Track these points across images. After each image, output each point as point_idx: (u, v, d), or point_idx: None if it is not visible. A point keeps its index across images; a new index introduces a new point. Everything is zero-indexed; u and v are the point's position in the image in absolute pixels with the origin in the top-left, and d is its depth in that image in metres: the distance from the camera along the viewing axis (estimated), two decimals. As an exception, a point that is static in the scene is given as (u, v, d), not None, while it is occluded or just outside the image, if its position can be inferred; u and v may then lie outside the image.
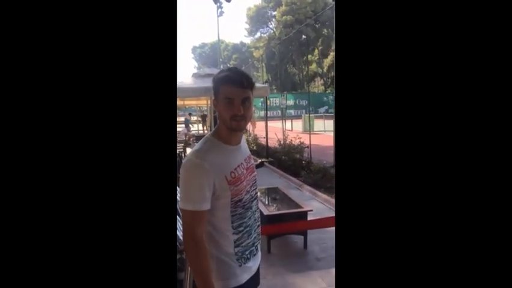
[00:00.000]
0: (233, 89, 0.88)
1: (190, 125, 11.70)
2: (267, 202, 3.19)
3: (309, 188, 4.79)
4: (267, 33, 29.93)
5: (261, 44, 29.05)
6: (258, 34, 31.10)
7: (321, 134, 10.32)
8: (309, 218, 2.83)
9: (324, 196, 4.33)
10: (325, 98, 19.88)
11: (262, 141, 8.03)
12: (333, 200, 4.10)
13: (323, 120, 12.50)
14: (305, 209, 2.83)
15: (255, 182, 1.03)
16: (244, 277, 0.95)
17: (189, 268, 1.40)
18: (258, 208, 1.04)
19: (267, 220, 2.61)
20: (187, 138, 8.36)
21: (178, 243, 1.37)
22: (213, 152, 0.91)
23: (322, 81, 27.14)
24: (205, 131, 10.99)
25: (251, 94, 0.92)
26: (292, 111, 17.81)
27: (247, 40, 34.67)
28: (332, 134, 6.49)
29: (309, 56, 24.34)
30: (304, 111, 17.69)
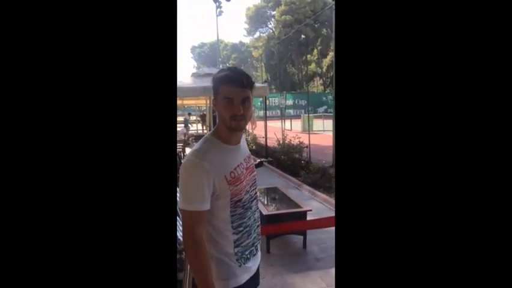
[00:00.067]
0: (233, 88, 0.88)
1: (189, 125, 11.70)
2: (266, 202, 3.18)
3: (308, 187, 4.80)
4: (266, 33, 29.97)
5: (260, 44, 29.06)
6: (257, 34, 31.15)
7: (320, 133, 10.33)
8: (309, 218, 2.83)
9: (323, 196, 4.33)
10: (324, 98, 19.90)
11: (261, 140, 8.03)
12: (332, 200, 4.10)
13: (322, 120, 12.51)
14: (304, 208, 2.83)
15: (255, 182, 1.03)
16: (244, 277, 0.95)
17: (188, 268, 1.39)
18: (257, 208, 1.03)
19: (266, 220, 2.60)
20: (186, 138, 8.35)
21: (177, 244, 1.37)
22: (212, 151, 0.90)
23: (321, 81, 27.17)
24: (205, 131, 10.99)
25: (251, 94, 0.91)
26: (291, 111, 17.81)
27: (247, 40, 34.75)
28: (331, 134, 6.50)
29: (308, 56, 24.36)
30: (303, 111, 17.71)
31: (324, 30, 25.10)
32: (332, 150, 5.94)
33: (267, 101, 8.51)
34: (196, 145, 0.94)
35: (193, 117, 15.26)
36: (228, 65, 30.26)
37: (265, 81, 9.07)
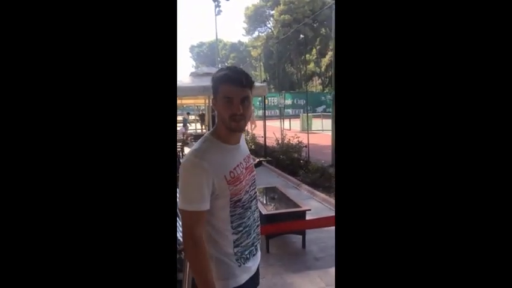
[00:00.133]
0: (232, 88, 0.87)
1: (188, 124, 11.69)
2: (265, 201, 3.18)
3: (307, 187, 4.80)
4: (265, 33, 29.95)
5: (259, 43, 29.05)
6: (256, 33, 31.12)
7: (319, 133, 10.34)
8: (308, 217, 2.83)
9: (322, 195, 4.34)
10: (323, 98, 19.91)
11: (260, 140, 8.03)
12: (331, 200, 4.10)
13: (320, 119, 12.52)
14: (303, 208, 2.83)
15: (254, 182, 1.02)
16: (244, 277, 0.95)
17: (188, 268, 1.39)
18: (257, 208, 1.03)
19: (266, 220, 2.60)
20: (185, 138, 8.34)
21: (177, 244, 1.36)
22: (212, 151, 0.90)
23: (320, 81, 27.19)
24: (204, 130, 10.98)
25: (250, 93, 0.91)
26: (290, 111, 17.82)
27: (245, 39, 34.73)
28: (329, 134, 6.50)
29: (307, 56, 24.38)
30: (302, 110, 17.72)
31: (323, 29, 25.12)
32: (330, 149, 5.95)
33: (266, 101, 8.51)
34: (196, 145, 0.93)
35: (192, 117, 15.25)
36: (226, 64, 30.21)
37: (264, 81, 9.07)
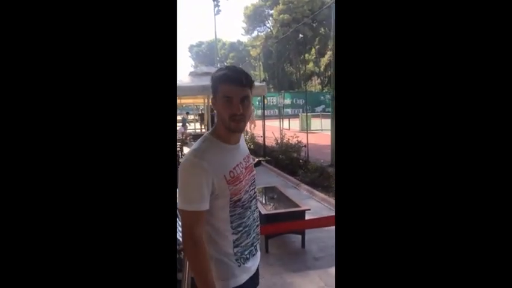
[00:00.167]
0: (232, 87, 0.87)
1: (187, 124, 11.68)
2: (264, 201, 3.18)
3: (306, 187, 4.80)
4: (264, 32, 29.92)
5: (258, 43, 29.03)
6: (255, 33, 31.09)
7: (318, 133, 10.35)
8: (307, 217, 2.83)
9: (322, 195, 4.34)
10: (322, 97, 19.92)
11: (260, 140, 8.03)
12: (330, 199, 4.11)
13: (319, 119, 12.53)
14: (303, 208, 2.83)
15: (254, 182, 1.02)
16: (244, 277, 0.95)
17: (187, 268, 1.39)
18: (257, 208, 1.03)
19: (265, 219, 2.60)
20: (184, 137, 8.33)
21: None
22: (211, 151, 0.90)
23: (319, 80, 27.20)
24: (203, 130, 10.98)
25: (250, 93, 0.91)
26: (289, 110, 17.82)
27: (244, 39, 34.71)
28: (329, 133, 6.50)
29: (306, 55, 24.38)
30: (301, 110, 17.72)
31: (322, 29, 25.13)
32: (330, 149, 5.95)
33: (265, 101, 8.50)
34: (195, 144, 0.93)
35: (191, 116, 15.24)
36: (225, 64, 30.21)
37: (263, 80, 9.06)
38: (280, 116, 9.10)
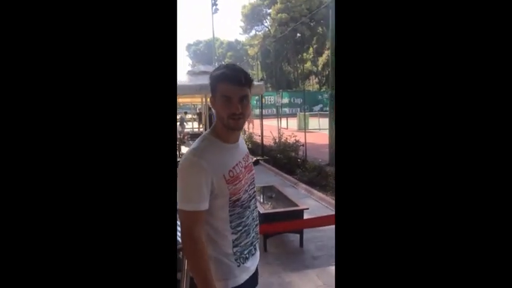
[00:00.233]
0: (231, 87, 0.86)
1: (185, 123, 11.65)
2: (262, 200, 3.18)
3: (304, 186, 4.81)
4: (262, 31, 29.86)
5: (256, 42, 28.98)
6: (253, 32, 31.01)
7: (315, 132, 10.36)
8: (305, 216, 2.83)
9: (320, 194, 4.35)
10: (320, 96, 19.94)
11: (257, 139, 8.03)
12: (328, 198, 4.12)
13: (317, 118, 12.54)
14: (301, 207, 2.83)
15: (253, 181, 1.02)
16: (243, 277, 0.94)
17: (186, 268, 1.38)
18: (256, 207, 1.02)
19: (263, 219, 2.60)
20: (181, 137, 8.31)
21: (174, 243, 1.35)
22: (210, 150, 0.89)
23: (317, 80, 27.22)
24: (201, 129, 10.96)
25: (249, 92, 0.90)
26: (287, 110, 17.82)
27: (242, 38, 34.67)
28: (326, 132, 6.51)
29: (304, 54, 24.38)
30: (299, 109, 17.73)
31: (320, 28, 25.13)
32: (327, 148, 5.96)
33: (263, 100, 8.49)
34: (194, 144, 0.92)
35: (188, 116, 15.20)
36: (223, 63, 30.09)
37: (261, 80, 9.05)
38: (278, 115, 9.10)
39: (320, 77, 26.82)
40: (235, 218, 0.92)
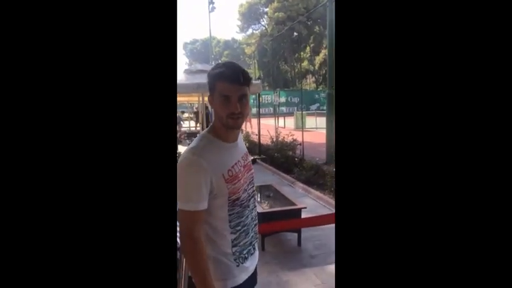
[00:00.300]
0: (229, 86, 0.85)
1: (182, 122, 11.62)
2: (260, 199, 3.18)
3: (301, 185, 4.81)
4: (259, 30, 29.84)
5: (253, 41, 28.95)
6: (250, 31, 30.97)
7: (313, 131, 10.37)
8: (303, 215, 2.83)
9: (317, 193, 4.35)
10: (316, 96, 19.96)
11: (255, 138, 8.02)
12: (325, 197, 4.12)
13: (314, 117, 12.55)
14: (299, 206, 2.83)
15: (252, 180, 1.01)
16: (242, 277, 0.94)
17: (184, 268, 1.38)
18: (255, 206, 1.02)
19: (261, 218, 2.59)
20: (178, 136, 8.27)
21: (172, 243, 1.34)
22: (209, 149, 0.88)
23: (313, 79, 27.25)
24: (197, 128, 10.93)
25: (248, 90, 0.89)
26: (284, 109, 17.82)
27: (239, 36, 34.61)
28: (323, 131, 6.52)
29: (301, 53, 24.38)
30: (296, 108, 17.74)
31: (317, 27, 25.16)
32: (325, 147, 5.97)
33: (260, 99, 8.48)
34: (193, 143, 0.91)
35: (185, 115, 15.15)
36: (220, 61, 30.01)
37: (258, 78, 9.04)
38: (276, 114, 9.10)
39: (316, 76, 26.85)
40: (234, 218, 0.91)
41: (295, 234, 2.83)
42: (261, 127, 7.43)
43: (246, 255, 0.95)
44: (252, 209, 0.99)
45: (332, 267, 2.42)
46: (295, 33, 22.93)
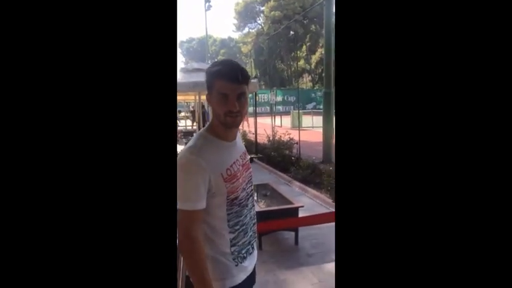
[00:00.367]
0: (227, 84, 0.84)
1: (178, 121, 11.58)
2: (257, 198, 3.17)
3: (298, 183, 4.82)
4: (255, 29, 29.76)
5: (249, 40, 28.87)
6: (246, 29, 30.87)
7: (309, 130, 10.40)
8: (300, 214, 2.84)
9: (314, 192, 4.36)
10: (313, 94, 20.01)
11: (251, 137, 8.01)
12: (322, 196, 4.14)
13: (311, 116, 12.58)
14: (296, 205, 2.83)
15: (251, 179, 1.00)
16: (241, 277, 0.93)
17: (181, 267, 1.37)
18: (253, 205, 1.01)
19: (259, 217, 2.58)
20: (174, 134, 8.22)
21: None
22: (207, 148, 0.87)
23: (310, 78, 27.30)
24: (194, 127, 10.90)
25: (246, 89, 0.88)
26: (280, 107, 17.84)
27: (235, 35, 34.46)
28: (320, 130, 6.54)
29: (297, 52, 24.39)
30: (292, 107, 17.77)
31: (313, 26, 25.18)
32: (321, 146, 5.98)
33: (257, 97, 8.48)
34: (191, 141, 0.90)
35: (181, 114, 15.10)
36: (216, 60, 29.84)
37: (254, 77, 9.02)
38: (272, 113, 9.09)
39: (313, 75, 26.90)
40: (232, 217, 0.91)
41: (293, 233, 2.83)
42: (257, 126, 7.43)
43: (245, 255, 0.95)
44: (251, 208, 0.99)
45: (329, 266, 2.43)
46: (291, 32, 22.94)
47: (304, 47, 25.74)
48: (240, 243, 0.93)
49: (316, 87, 24.02)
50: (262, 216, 2.66)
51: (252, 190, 1.00)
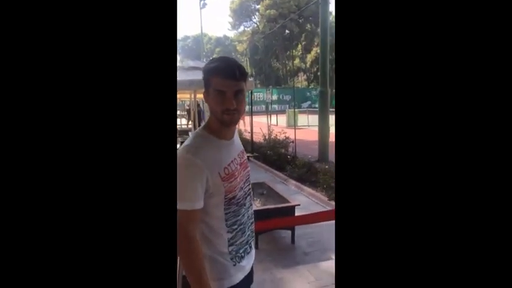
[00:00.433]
0: (225, 81, 0.83)
1: (173, 120, 11.51)
2: (253, 197, 3.17)
3: (294, 182, 4.83)
4: (251, 27, 29.69)
5: (245, 38, 28.81)
6: (242, 28, 30.79)
7: (304, 128, 10.42)
8: (296, 212, 2.84)
9: (309, 190, 4.38)
10: (308, 93, 20.05)
11: (247, 136, 8.01)
12: (318, 194, 4.15)
13: (306, 115, 12.61)
14: (293, 203, 2.83)
15: (248, 178, 1.00)
16: (239, 276, 0.92)
17: (178, 267, 1.36)
18: (251, 205, 1.01)
19: (255, 215, 2.57)
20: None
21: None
22: (205, 147, 0.86)
23: (305, 77, 27.34)
24: (189, 125, 10.85)
25: (244, 86, 0.87)
26: (276, 106, 17.84)
27: (231, 33, 34.38)
28: (315, 129, 6.55)
29: (293, 51, 24.40)
30: (287, 106, 17.79)
31: (309, 25, 25.20)
32: (317, 145, 6.00)
33: (252, 96, 8.47)
34: (187, 140, 0.89)
35: (178, 112, 15.05)
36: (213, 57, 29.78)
37: (250, 76, 9.01)
38: (268, 112, 9.09)
39: (308, 74, 26.94)
40: (230, 216, 0.90)
41: (289, 232, 2.83)
42: (253, 125, 7.42)
43: (243, 254, 0.94)
44: (248, 208, 0.98)
45: (325, 264, 2.44)
46: (287, 31, 22.94)
47: (299, 45, 25.75)
48: (238, 242, 0.92)
49: (312, 86, 24.08)
50: (258, 215, 2.65)
51: (249, 189, 0.99)
